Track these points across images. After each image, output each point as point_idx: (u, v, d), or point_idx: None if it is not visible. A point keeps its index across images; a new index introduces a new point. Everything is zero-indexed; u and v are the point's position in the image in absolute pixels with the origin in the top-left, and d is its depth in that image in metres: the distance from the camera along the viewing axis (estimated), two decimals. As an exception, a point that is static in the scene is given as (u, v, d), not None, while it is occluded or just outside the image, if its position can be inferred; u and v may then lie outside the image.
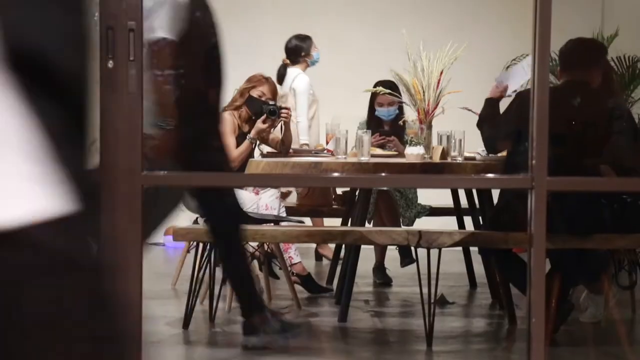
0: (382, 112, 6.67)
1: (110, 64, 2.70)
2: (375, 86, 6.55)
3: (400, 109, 6.67)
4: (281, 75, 7.44)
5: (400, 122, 6.65)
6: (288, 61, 7.48)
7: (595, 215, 4.82)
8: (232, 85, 6.55)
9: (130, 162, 2.75)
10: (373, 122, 6.69)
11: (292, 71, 7.41)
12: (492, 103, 5.37)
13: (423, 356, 4.81)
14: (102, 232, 2.79)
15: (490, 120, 5.29)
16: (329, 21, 9.42)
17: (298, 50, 7.46)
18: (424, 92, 5.67)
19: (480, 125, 5.38)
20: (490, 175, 5.11)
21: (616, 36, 8.58)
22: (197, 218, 6.70)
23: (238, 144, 6.25)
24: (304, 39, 7.52)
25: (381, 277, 6.97)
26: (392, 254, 7.01)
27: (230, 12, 9.42)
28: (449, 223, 6.60)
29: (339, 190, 7.13)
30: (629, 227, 4.88)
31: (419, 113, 5.73)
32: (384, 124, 6.71)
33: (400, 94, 6.28)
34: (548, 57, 2.87)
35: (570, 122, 4.84)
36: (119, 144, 2.74)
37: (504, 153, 5.40)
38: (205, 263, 5.57)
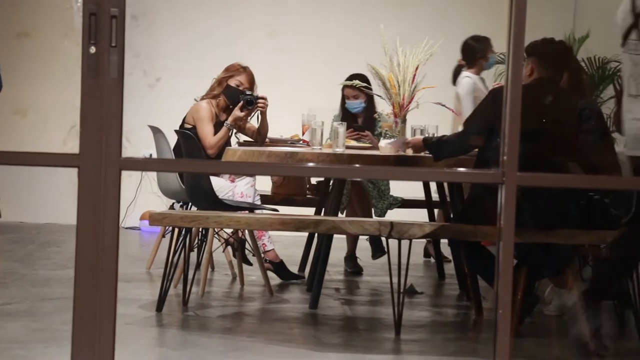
0: (350, 104, 6.74)
1: (93, 49, 2.69)
2: (348, 79, 6.60)
3: (371, 102, 6.70)
4: (454, 76, 7.12)
5: (376, 116, 6.68)
6: (463, 62, 7.06)
7: (562, 211, 4.84)
8: (210, 74, 6.55)
9: (110, 146, 2.74)
10: (345, 115, 6.74)
11: (462, 73, 7.01)
12: None
13: (391, 344, 4.82)
14: (79, 214, 2.79)
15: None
16: (308, 14, 9.41)
17: (473, 52, 7.00)
18: (399, 86, 5.69)
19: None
20: (462, 169, 5.12)
21: (587, 38, 8.62)
22: (173, 204, 6.70)
23: (215, 132, 6.24)
24: (481, 40, 7.05)
25: (352, 266, 6.99)
26: (364, 244, 7.03)
27: (210, 4, 9.42)
28: (420, 215, 6.62)
29: (314, 180, 7.13)
30: (594, 224, 4.91)
31: (393, 107, 5.75)
32: (357, 117, 6.73)
33: (371, 87, 6.32)
34: (522, 56, 2.88)
35: (541, 120, 4.86)
36: (99, 128, 2.73)
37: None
38: (180, 248, 5.57)
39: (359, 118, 6.76)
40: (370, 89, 6.41)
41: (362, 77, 6.51)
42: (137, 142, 8.67)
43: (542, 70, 4.99)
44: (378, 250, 6.85)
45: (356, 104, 6.71)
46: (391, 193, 6.94)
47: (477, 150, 5.23)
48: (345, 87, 6.67)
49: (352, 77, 6.58)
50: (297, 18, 9.41)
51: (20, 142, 9.10)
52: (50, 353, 4.25)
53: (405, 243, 4.91)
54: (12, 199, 9.37)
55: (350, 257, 7.02)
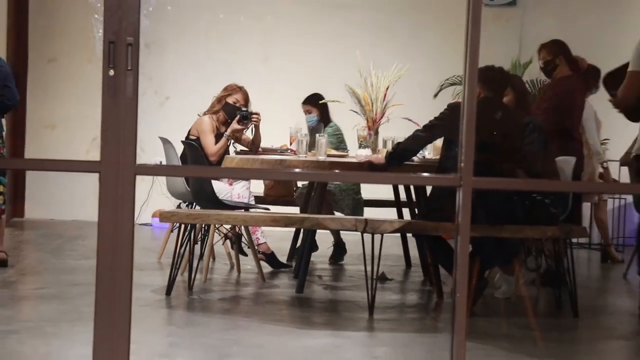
0: (306, 118, 6.91)
1: (111, 72, 2.68)
2: (306, 100, 6.82)
3: (325, 114, 6.81)
4: None
5: (329, 128, 6.75)
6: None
7: (510, 210, 4.85)
8: (211, 93, 6.54)
9: (126, 155, 2.73)
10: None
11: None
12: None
13: (365, 323, 4.81)
14: (100, 212, 2.78)
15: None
16: (295, 43, 9.41)
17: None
18: (372, 104, 5.69)
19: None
20: (425, 174, 5.12)
21: (530, 63, 8.64)
22: (179, 203, 6.68)
23: (216, 142, 6.24)
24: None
25: (339, 253, 6.95)
26: (348, 237, 7.01)
27: (211, 34, 9.41)
28: (390, 213, 6.62)
29: (300, 183, 7.12)
30: (537, 220, 4.92)
31: (367, 121, 5.75)
32: (314, 129, 6.78)
33: (325, 104, 6.66)
34: (476, 78, 2.88)
35: (489, 132, 4.87)
36: (117, 140, 2.72)
37: (438, 156, 5.43)
38: (186, 241, 5.55)
39: (315, 130, 6.82)
40: (325, 104, 6.63)
41: (318, 96, 6.78)
42: (149, 151, 8.63)
43: (484, 92, 5.01)
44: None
45: (309, 118, 6.84)
46: (362, 193, 6.90)
47: (439, 157, 5.25)
48: (302, 105, 6.91)
49: (309, 97, 6.77)
50: (286, 46, 9.41)
51: (50, 151, 9.08)
52: (76, 331, 4.24)
53: (377, 237, 4.91)
54: (44, 200, 9.33)
55: (339, 245, 6.98)
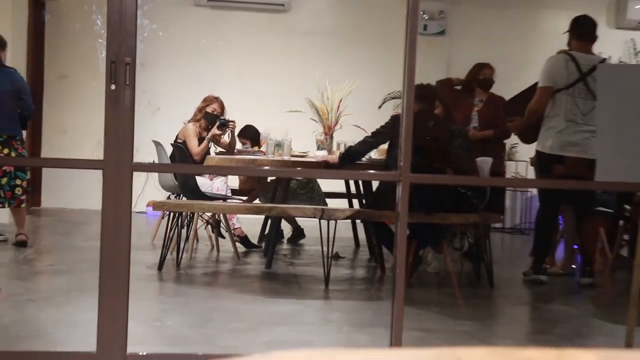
0: (243, 147, 6.84)
1: (113, 87, 2.66)
2: (243, 129, 6.72)
3: (255, 143, 6.73)
4: None
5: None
6: None
7: (440, 201, 4.88)
8: (195, 104, 6.50)
9: (124, 155, 2.71)
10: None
11: None
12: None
13: (322, 293, 4.82)
14: (103, 202, 2.75)
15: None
16: (264, 63, 9.39)
17: None
18: (328, 113, 5.70)
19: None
20: (371, 171, 5.14)
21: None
22: (169, 195, 6.64)
23: (199, 145, 6.20)
24: None
25: (297, 237, 6.96)
26: (307, 223, 7.01)
27: (195, 55, 9.36)
28: (342, 203, 6.63)
29: (269, 179, 7.11)
30: (461, 209, 4.96)
31: (324, 128, 5.76)
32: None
33: (259, 136, 6.60)
34: (413, 93, 2.90)
35: (424, 138, 4.90)
36: (117, 142, 2.70)
37: (384, 157, 5.45)
38: (174, 226, 5.52)
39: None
40: (258, 140, 6.60)
41: (250, 128, 6.77)
42: (144, 152, 8.54)
43: (419, 105, 5.04)
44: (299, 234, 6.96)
45: (245, 147, 6.78)
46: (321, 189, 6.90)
47: (385, 158, 5.27)
48: (238, 136, 6.82)
49: (246, 128, 6.76)
50: (257, 66, 9.39)
51: (61, 152, 8.97)
52: (83, 299, 4.19)
53: (332, 223, 4.92)
54: (56, 192, 9.22)
55: (297, 230, 6.98)
